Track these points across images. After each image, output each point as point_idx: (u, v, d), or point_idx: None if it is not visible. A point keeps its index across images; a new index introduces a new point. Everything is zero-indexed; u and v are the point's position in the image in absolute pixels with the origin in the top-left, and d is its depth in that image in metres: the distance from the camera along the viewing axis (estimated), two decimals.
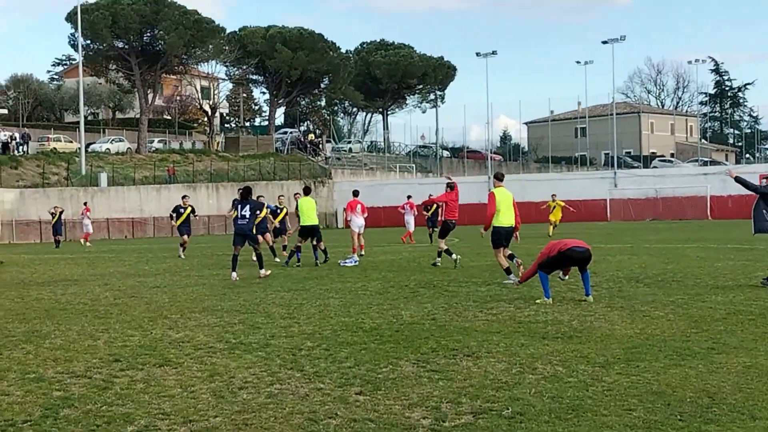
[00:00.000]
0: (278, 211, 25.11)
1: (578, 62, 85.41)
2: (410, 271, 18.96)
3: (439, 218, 21.23)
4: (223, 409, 6.58)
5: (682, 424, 5.99)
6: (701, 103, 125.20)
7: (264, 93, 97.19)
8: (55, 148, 66.87)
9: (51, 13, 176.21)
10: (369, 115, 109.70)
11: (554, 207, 37.11)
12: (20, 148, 64.48)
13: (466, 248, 28.87)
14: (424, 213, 34.80)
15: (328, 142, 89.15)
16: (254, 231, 19.02)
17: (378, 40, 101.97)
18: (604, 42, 76.15)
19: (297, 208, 22.08)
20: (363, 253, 24.88)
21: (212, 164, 72.01)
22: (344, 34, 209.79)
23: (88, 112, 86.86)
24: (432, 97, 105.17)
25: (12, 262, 25.99)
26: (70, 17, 70.79)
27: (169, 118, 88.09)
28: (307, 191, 22.60)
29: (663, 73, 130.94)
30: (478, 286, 15.20)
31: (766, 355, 8.38)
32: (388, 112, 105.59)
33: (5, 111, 75.42)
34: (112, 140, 72.90)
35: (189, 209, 27.62)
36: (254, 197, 20.00)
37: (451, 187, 20.43)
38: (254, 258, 19.58)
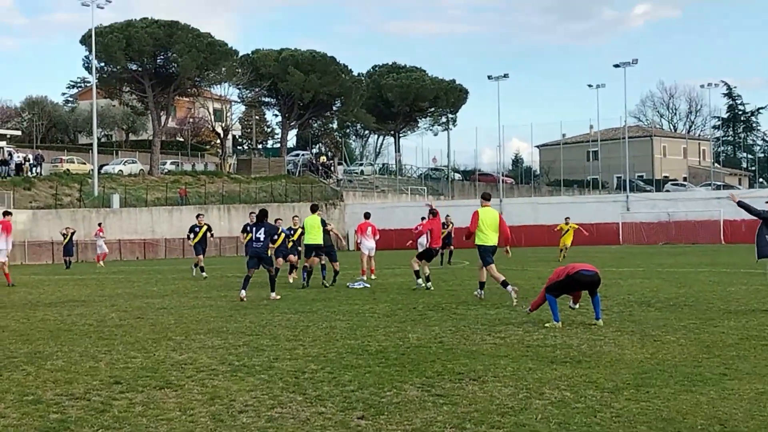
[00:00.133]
0: (292, 232, 24.85)
1: (590, 85, 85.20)
2: (419, 293, 18.81)
3: (427, 244, 21.19)
4: None
5: None
6: (714, 127, 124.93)
7: (276, 115, 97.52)
8: (68, 170, 67.14)
9: (66, 36, 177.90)
10: (381, 137, 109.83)
11: (567, 230, 36.35)
12: (33, 169, 64.76)
13: (477, 271, 28.71)
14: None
15: (339, 164, 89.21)
16: (269, 253, 18.90)
17: (390, 63, 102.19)
18: (616, 65, 76.12)
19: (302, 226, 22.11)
20: (374, 276, 24.71)
21: (224, 186, 72.13)
22: (356, 57, 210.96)
23: (102, 133, 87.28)
24: (444, 119, 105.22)
25: (21, 283, 25.91)
26: (85, 40, 71.23)
27: (182, 140, 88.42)
28: (313, 209, 22.45)
29: (675, 97, 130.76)
30: (487, 309, 15.04)
31: None
32: (400, 135, 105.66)
33: (19, 132, 75.84)
34: (125, 162, 73.18)
35: (204, 228, 27.46)
36: (272, 221, 20.00)
37: (433, 213, 20.67)
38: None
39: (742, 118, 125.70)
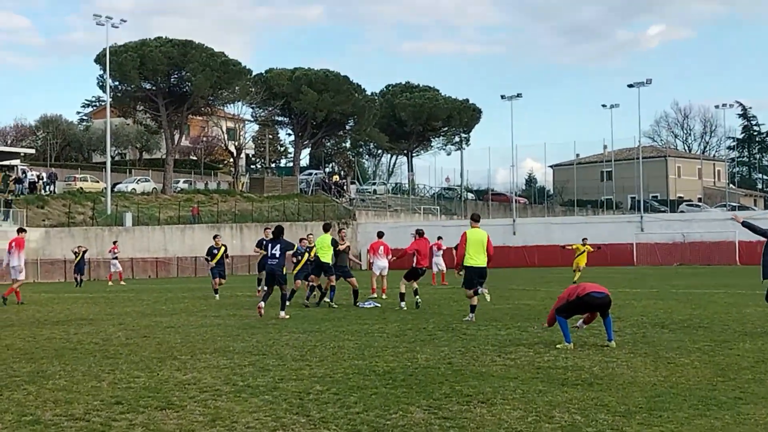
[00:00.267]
0: (308, 251, 24.60)
1: (604, 105, 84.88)
2: (429, 313, 18.62)
3: (414, 264, 21.29)
4: None
5: None
6: (729, 147, 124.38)
7: (289, 134, 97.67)
8: (81, 188, 67.32)
9: (82, 55, 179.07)
10: (394, 156, 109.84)
11: (582, 252, 35.24)
12: (47, 187, 64.95)
13: (489, 291, 28.48)
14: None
15: (352, 183, 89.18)
16: (284, 271, 18.74)
17: (403, 83, 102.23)
18: (630, 85, 75.85)
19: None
20: (384, 296, 24.51)
21: (237, 205, 72.15)
22: (369, 77, 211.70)
23: (116, 152, 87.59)
24: (457, 139, 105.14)
25: (31, 301, 25.83)
26: (99, 59, 71.60)
27: (195, 158, 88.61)
28: (325, 228, 22.32)
29: (690, 118, 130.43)
30: (497, 329, 14.84)
31: None
32: (413, 154, 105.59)
33: (33, 151, 76.13)
34: (138, 180, 73.35)
35: (223, 249, 27.00)
36: (297, 240, 19.85)
37: (420, 234, 21.26)
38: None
39: (757, 139, 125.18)
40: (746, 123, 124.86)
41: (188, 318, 18.38)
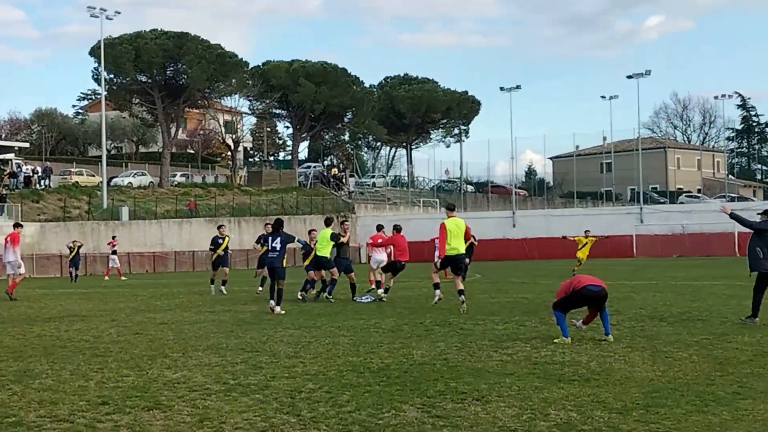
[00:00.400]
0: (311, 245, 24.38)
1: (603, 97, 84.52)
2: (427, 308, 18.43)
3: (392, 257, 21.50)
4: None
5: None
6: (728, 138, 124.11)
7: (287, 127, 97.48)
8: (77, 182, 67.09)
9: (77, 48, 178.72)
10: (393, 149, 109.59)
11: (585, 244, 34.67)
12: (42, 181, 64.70)
13: (489, 284, 28.39)
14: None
15: (351, 176, 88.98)
16: (284, 264, 18.57)
17: (402, 75, 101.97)
18: (629, 77, 75.71)
19: None
20: (375, 287, 24.29)
21: (234, 198, 71.96)
22: (368, 69, 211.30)
23: (112, 146, 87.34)
24: (456, 131, 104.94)
25: (24, 296, 25.62)
26: (94, 52, 71.28)
27: (192, 152, 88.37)
28: (327, 223, 22.14)
29: (689, 109, 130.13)
30: (495, 324, 14.68)
31: None
32: (412, 147, 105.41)
33: (27, 145, 75.87)
34: (135, 174, 73.16)
35: (227, 239, 26.51)
36: (313, 228, 20.26)
37: (398, 229, 21.84)
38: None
39: (756, 130, 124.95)
40: (745, 114, 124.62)
41: (183, 314, 18.21)
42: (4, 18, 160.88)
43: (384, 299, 20.83)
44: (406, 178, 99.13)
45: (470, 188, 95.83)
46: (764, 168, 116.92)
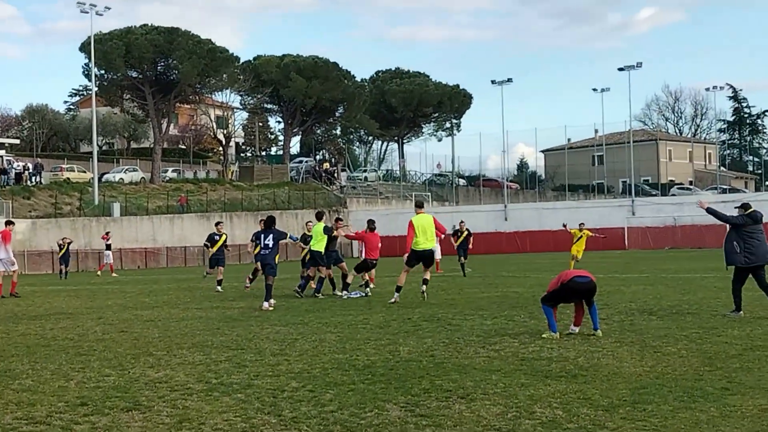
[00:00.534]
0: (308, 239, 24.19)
1: (595, 89, 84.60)
2: (416, 303, 18.28)
3: (362, 255, 21.52)
4: None
5: None
6: (720, 130, 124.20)
7: (279, 122, 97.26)
8: (68, 178, 66.81)
9: (69, 44, 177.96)
10: (384, 143, 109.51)
11: (580, 237, 33.78)
12: (33, 178, 64.40)
13: (479, 278, 28.30)
14: (453, 239, 32.73)
15: (343, 170, 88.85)
16: (277, 261, 18.50)
17: (393, 69, 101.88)
18: (621, 69, 75.66)
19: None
20: (372, 285, 24.15)
21: (226, 194, 71.75)
22: (359, 63, 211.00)
23: (103, 142, 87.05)
24: (448, 125, 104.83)
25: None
26: (84, 47, 70.97)
27: (184, 147, 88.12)
28: (318, 216, 22.03)
29: (681, 101, 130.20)
30: (484, 319, 14.57)
31: None
32: (404, 141, 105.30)
33: (18, 141, 75.56)
34: (126, 170, 72.93)
35: (224, 236, 26.08)
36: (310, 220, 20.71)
37: (371, 227, 21.85)
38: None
39: (748, 121, 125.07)
40: (737, 105, 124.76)
41: (170, 311, 18.06)
42: None
43: (369, 294, 20.89)
44: (398, 172, 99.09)
45: (462, 182, 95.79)
46: (756, 159, 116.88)
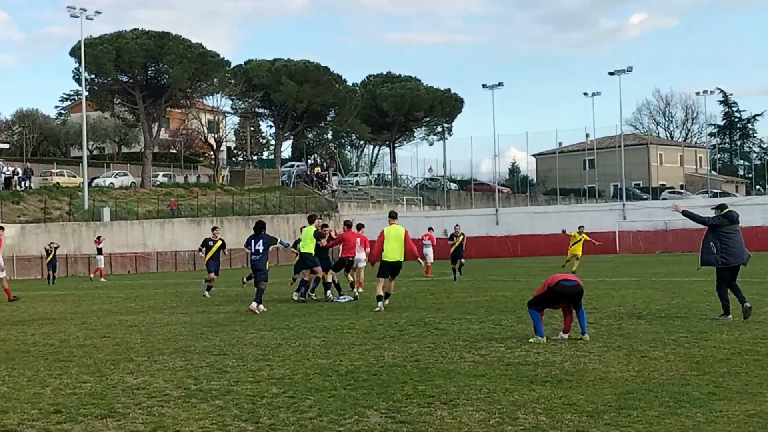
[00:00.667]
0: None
1: (585, 94, 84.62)
2: (403, 307, 18.17)
3: (340, 254, 21.36)
4: None
5: None
6: (710, 134, 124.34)
7: (271, 126, 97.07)
8: (58, 183, 66.46)
9: (60, 49, 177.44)
10: (376, 148, 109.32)
11: (579, 240, 32.99)
12: (22, 182, 64.04)
13: (468, 282, 28.16)
14: (450, 243, 32.42)
15: (334, 175, 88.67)
16: (267, 266, 18.35)
17: (384, 73, 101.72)
18: (611, 73, 75.61)
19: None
20: (361, 290, 24.00)
21: (217, 198, 71.52)
22: (350, 67, 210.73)
23: (94, 146, 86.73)
24: (439, 129, 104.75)
25: None
26: (75, 52, 70.65)
27: (175, 152, 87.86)
28: (310, 220, 21.90)
29: (671, 105, 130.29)
30: (471, 323, 14.43)
31: None
32: (396, 145, 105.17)
33: (7, 146, 75.20)
34: (116, 174, 72.60)
35: (219, 242, 25.41)
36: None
37: (348, 225, 22.07)
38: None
39: (738, 126, 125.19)
40: (727, 110, 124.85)
41: (155, 316, 17.87)
42: None
43: (331, 299, 20.70)
44: (389, 176, 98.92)
45: (453, 186, 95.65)
46: (746, 163, 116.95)
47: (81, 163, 66.14)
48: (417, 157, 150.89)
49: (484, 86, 79.06)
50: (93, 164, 74.13)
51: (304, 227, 23.61)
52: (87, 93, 71.87)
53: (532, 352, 10.79)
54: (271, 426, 7.08)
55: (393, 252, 17.89)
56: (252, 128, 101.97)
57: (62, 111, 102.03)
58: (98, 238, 45.17)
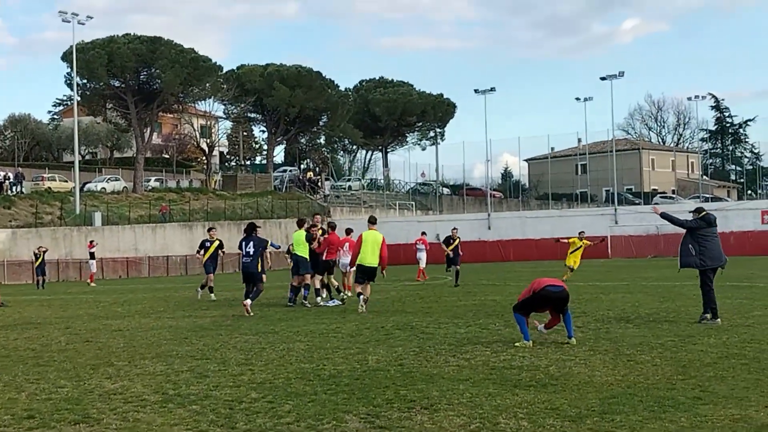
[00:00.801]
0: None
1: (578, 99, 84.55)
2: (391, 311, 18.04)
3: (323, 257, 21.21)
4: None
5: None
6: (702, 139, 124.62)
7: (263, 131, 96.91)
8: (49, 188, 66.21)
9: (53, 54, 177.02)
10: (369, 152, 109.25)
11: (579, 247, 31.32)
12: (14, 187, 63.79)
13: (458, 286, 28.03)
14: (444, 247, 31.36)
15: (327, 180, 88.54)
16: (260, 269, 18.25)
17: (377, 78, 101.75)
18: (603, 78, 75.60)
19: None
20: (349, 293, 23.86)
21: (209, 203, 71.33)
22: (343, 72, 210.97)
23: (86, 151, 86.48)
24: (432, 134, 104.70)
25: None
26: (66, 57, 70.43)
27: (167, 157, 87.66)
28: (299, 224, 21.74)
29: (663, 110, 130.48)
30: (458, 327, 14.32)
31: (758, 407, 7.52)
32: (388, 150, 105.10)
33: None
34: (108, 179, 72.38)
35: (216, 243, 25.15)
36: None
37: (332, 228, 21.95)
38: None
39: (730, 131, 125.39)
40: (719, 115, 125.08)
41: (141, 320, 17.71)
42: None
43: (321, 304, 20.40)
44: (382, 181, 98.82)
45: (446, 191, 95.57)
46: (738, 168, 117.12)
47: (73, 168, 65.88)
48: (409, 161, 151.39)
49: (476, 91, 79.07)
50: (85, 169, 73.86)
51: (296, 231, 23.53)
52: (79, 98, 71.64)
53: (517, 356, 10.68)
54: (247, 431, 6.95)
55: (369, 256, 18.14)
56: (245, 133, 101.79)
57: (55, 116, 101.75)
58: (91, 242, 44.93)
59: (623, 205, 75.19)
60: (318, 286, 20.75)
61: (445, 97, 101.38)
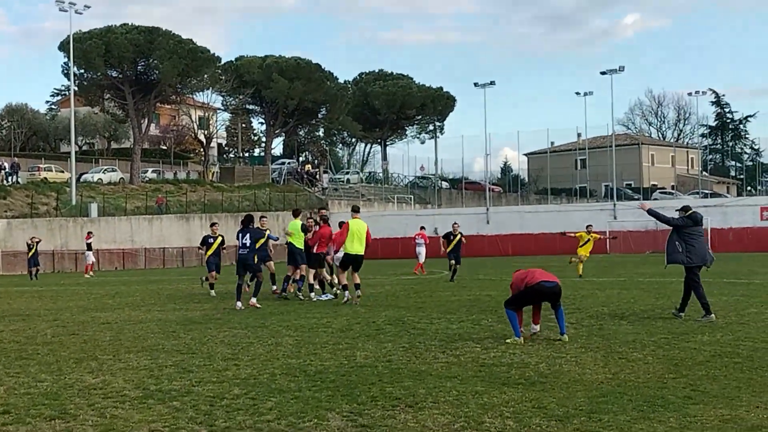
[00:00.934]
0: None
1: (578, 93, 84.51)
2: (384, 306, 17.86)
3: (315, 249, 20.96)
4: None
5: None
6: (702, 135, 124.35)
7: (262, 123, 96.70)
8: (45, 178, 66.02)
9: (52, 44, 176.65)
10: (367, 145, 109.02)
11: (587, 240, 30.28)
12: (9, 177, 63.58)
13: (454, 281, 27.88)
14: (442, 242, 30.25)
15: (325, 172, 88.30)
16: (256, 260, 18.27)
17: (376, 71, 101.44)
18: (603, 73, 75.37)
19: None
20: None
21: (206, 195, 71.10)
22: (342, 65, 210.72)
23: (83, 142, 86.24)
24: (431, 127, 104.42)
25: None
26: (64, 46, 70.15)
27: (164, 148, 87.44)
28: (295, 214, 21.59)
29: (664, 105, 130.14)
30: (450, 323, 14.15)
31: (749, 407, 7.37)
32: (387, 143, 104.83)
33: None
34: (105, 170, 72.16)
35: (219, 239, 24.34)
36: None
37: (324, 220, 21.78)
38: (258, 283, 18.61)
39: (730, 126, 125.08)
40: (719, 111, 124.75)
41: (131, 313, 17.54)
42: None
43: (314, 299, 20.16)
44: (380, 174, 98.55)
45: (445, 184, 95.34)
46: (738, 164, 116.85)
47: (69, 159, 65.65)
48: (408, 155, 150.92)
49: (476, 85, 78.75)
50: (82, 160, 73.64)
51: (291, 221, 23.35)
52: (76, 88, 71.40)
53: (507, 353, 10.52)
54: (225, 429, 6.81)
55: (356, 245, 18.25)
56: (243, 125, 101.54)
57: (52, 106, 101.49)
58: (89, 233, 44.77)
59: (622, 200, 75.00)
60: (312, 280, 20.61)
61: (444, 90, 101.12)
